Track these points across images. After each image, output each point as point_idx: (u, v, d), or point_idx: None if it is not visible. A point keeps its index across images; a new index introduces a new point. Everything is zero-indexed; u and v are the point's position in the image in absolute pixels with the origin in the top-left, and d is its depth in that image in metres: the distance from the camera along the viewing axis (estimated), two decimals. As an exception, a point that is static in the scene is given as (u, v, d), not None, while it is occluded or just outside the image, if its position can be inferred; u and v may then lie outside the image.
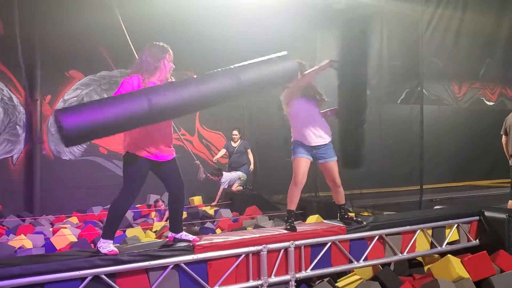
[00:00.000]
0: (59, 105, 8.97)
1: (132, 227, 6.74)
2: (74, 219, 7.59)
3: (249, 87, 3.34)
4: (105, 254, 3.11)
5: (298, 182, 3.98)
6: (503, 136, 6.04)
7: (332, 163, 4.07)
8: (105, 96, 9.32)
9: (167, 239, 3.58)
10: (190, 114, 3.30)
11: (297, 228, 4.01)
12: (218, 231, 6.31)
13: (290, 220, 3.94)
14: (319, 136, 4.02)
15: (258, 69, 3.33)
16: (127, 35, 3.87)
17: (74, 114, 2.75)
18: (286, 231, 3.83)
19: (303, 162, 3.98)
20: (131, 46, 3.65)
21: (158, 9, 8.25)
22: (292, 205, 4.03)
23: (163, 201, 7.64)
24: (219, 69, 3.31)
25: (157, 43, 3.45)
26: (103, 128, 2.82)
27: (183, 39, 8.39)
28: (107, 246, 3.16)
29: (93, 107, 2.87)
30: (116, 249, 3.15)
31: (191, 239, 3.49)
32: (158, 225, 6.77)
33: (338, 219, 4.26)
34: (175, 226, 3.54)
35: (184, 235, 3.52)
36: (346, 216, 4.18)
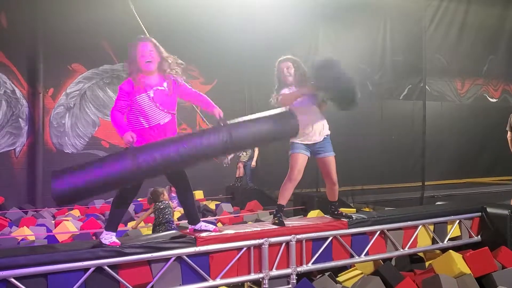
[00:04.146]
0: (62, 98, 8.99)
1: (134, 220, 6.75)
2: (76, 212, 7.62)
3: (239, 144, 3.37)
4: (107, 245, 3.12)
5: (293, 178, 3.93)
6: (508, 132, 6.01)
7: (330, 158, 4.01)
8: (108, 90, 9.34)
9: (188, 231, 3.60)
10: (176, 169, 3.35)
11: (297, 222, 4.02)
12: (220, 225, 6.32)
13: (279, 215, 3.89)
14: (314, 134, 3.95)
15: (253, 127, 3.31)
16: (143, 26, 3.86)
17: (64, 179, 2.93)
18: (276, 226, 3.79)
19: (300, 158, 3.93)
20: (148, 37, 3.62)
21: (161, 7, 8.25)
22: (284, 199, 3.98)
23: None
24: (210, 126, 3.33)
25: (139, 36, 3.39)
26: (89, 190, 3.00)
27: (185, 36, 8.42)
28: (109, 238, 3.17)
29: (82, 172, 2.97)
30: (118, 241, 3.16)
31: (211, 229, 3.48)
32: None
33: (328, 215, 4.25)
34: (191, 218, 3.55)
35: (203, 225, 3.52)
36: (336, 213, 4.15)
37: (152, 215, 5.45)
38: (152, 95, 3.27)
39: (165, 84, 3.35)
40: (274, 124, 3.39)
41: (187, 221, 3.67)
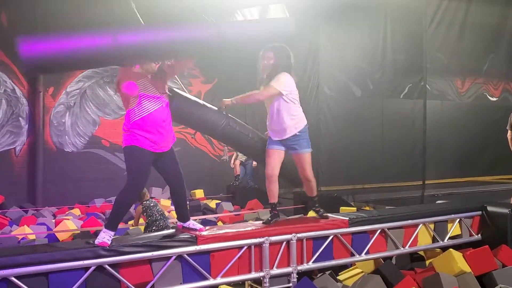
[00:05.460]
0: (62, 97, 8.99)
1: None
2: (77, 211, 7.62)
3: (231, 42, 3.20)
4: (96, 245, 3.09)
5: (268, 174, 3.87)
6: (509, 131, 6.02)
7: (303, 155, 3.90)
8: (108, 89, 9.33)
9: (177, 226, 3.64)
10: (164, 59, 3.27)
11: (297, 221, 4.03)
12: (220, 224, 6.32)
13: (272, 214, 3.89)
14: (282, 129, 3.83)
15: (245, 26, 3.25)
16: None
17: (37, 43, 2.71)
18: (263, 224, 3.82)
19: (272, 154, 3.87)
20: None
21: (162, 6, 8.24)
22: (272, 198, 3.93)
23: None
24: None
25: None
26: (65, 61, 2.78)
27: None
28: (101, 237, 3.14)
29: (57, 38, 2.78)
30: (107, 242, 3.12)
31: (197, 228, 3.51)
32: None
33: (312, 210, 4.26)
34: (181, 215, 3.59)
35: (191, 224, 3.56)
36: (314, 208, 4.16)
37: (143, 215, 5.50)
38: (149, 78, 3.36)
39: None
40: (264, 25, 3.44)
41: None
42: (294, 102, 3.85)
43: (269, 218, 3.87)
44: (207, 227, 3.64)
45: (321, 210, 4.15)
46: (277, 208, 4.01)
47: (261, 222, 3.94)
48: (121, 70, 3.33)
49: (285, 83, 3.79)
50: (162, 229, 5.06)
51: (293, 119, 3.84)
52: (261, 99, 3.84)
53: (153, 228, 5.10)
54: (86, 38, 2.80)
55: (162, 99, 3.35)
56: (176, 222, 3.70)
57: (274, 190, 3.91)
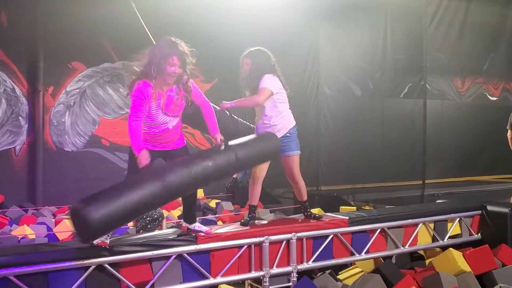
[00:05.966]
0: (62, 96, 8.98)
1: (134, 218, 6.75)
2: (77, 211, 7.60)
3: (244, 163, 3.46)
4: (96, 245, 3.09)
5: (254, 175, 3.86)
6: (509, 131, 6.02)
7: (289, 157, 3.89)
8: (108, 88, 9.33)
9: (181, 227, 3.65)
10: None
11: (296, 220, 4.03)
12: (220, 223, 6.32)
13: (250, 215, 3.84)
14: (272, 131, 3.78)
15: (251, 147, 3.43)
16: (145, 26, 3.82)
17: (97, 207, 2.69)
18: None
19: None
20: (151, 37, 3.58)
21: (162, 5, 8.24)
22: (251, 199, 3.90)
23: None
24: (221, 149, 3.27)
25: (168, 38, 3.27)
26: (124, 216, 2.84)
27: (186, 34, 8.39)
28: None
29: (112, 196, 2.82)
30: (107, 241, 3.12)
31: (203, 231, 3.49)
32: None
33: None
34: (188, 217, 3.57)
35: (197, 226, 3.53)
36: (306, 213, 4.10)
37: None
38: (162, 102, 3.24)
39: (174, 88, 3.29)
40: (265, 143, 3.54)
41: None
42: (281, 102, 3.84)
43: (248, 219, 3.82)
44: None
45: (313, 214, 4.11)
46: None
47: (239, 222, 3.89)
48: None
49: (272, 83, 3.77)
50: (157, 218, 5.07)
51: (282, 119, 3.83)
52: (259, 102, 3.75)
53: (148, 219, 5.09)
54: (139, 190, 2.86)
55: (172, 120, 3.31)
56: (180, 223, 3.69)
57: (256, 192, 3.90)
